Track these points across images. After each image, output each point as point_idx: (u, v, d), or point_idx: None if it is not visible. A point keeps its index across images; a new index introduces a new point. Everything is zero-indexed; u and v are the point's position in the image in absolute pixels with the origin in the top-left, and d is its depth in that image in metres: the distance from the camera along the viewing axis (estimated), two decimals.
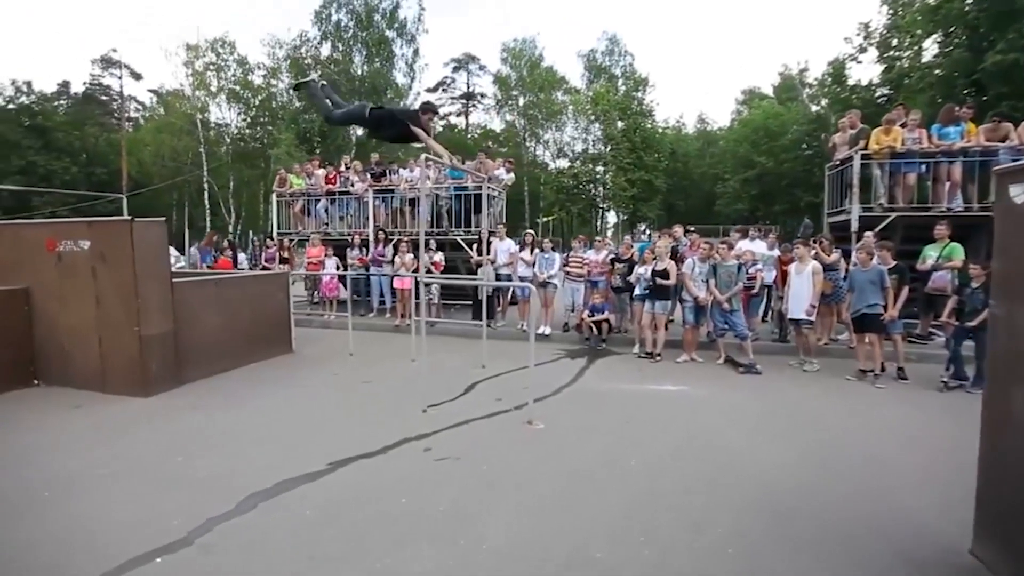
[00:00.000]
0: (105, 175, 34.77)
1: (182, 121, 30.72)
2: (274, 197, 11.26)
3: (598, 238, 8.42)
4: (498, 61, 38.35)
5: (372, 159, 11.33)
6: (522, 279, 8.41)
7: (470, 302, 8.77)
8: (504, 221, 10.36)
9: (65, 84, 40.92)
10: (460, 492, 3.29)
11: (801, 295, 6.48)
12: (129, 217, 5.20)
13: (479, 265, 8.54)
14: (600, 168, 36.95)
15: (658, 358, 6.86)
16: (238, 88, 31.48)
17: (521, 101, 37.55)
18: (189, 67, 30.65)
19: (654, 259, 7.01)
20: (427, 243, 9.18)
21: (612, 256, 8.06)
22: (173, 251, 10.52)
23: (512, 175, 10.42)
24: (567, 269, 8.19)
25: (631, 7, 64.27)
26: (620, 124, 34.56)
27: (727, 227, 7.85)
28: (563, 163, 38.64)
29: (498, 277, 8.53)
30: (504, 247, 8.52)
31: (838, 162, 8.69)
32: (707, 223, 27.69)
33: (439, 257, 8.97)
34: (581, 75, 39.40)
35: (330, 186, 10.60)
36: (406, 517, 2.98)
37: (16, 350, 5.52)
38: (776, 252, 7.82)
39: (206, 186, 30.72)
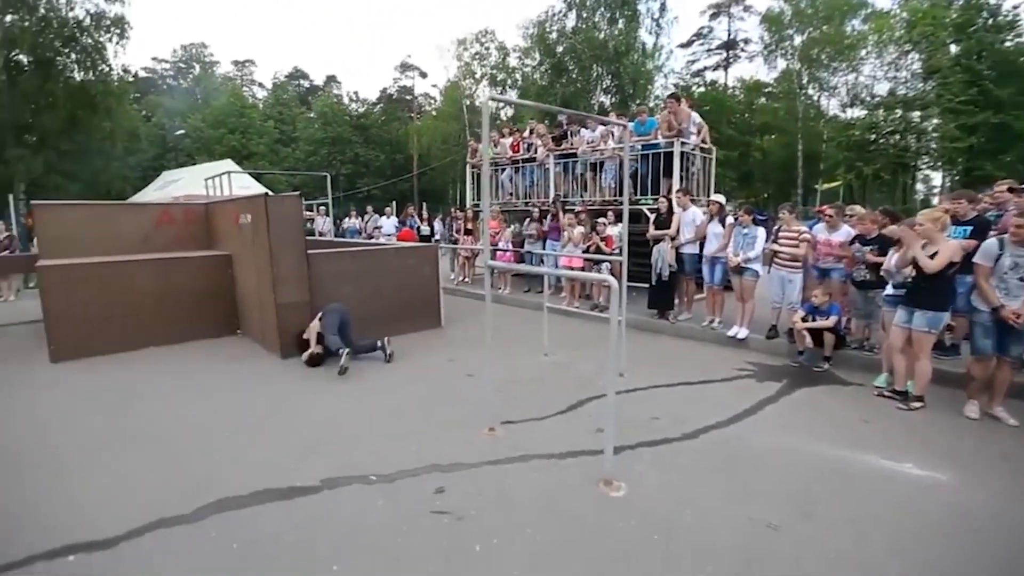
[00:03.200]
0: (402, 160, 43.32)
1: (451, 108, 35.08)
2: (468, 168, 11.32)
3: (832, 208, 5.57)
4: None
5: (558, 120, 10.22)
6: (713, 261, 6.34)
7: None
8: (709, 184, 8.13)
9: (384, 90, 52.15)
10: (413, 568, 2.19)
11: None
12: (263, 193, 5.48)
13: (656, 241, 6.76)
14: (916, 114, 27.47)
15: (916, 405, 4.11)
16: (496, 72, 34.16)
17: (797, 40, 30.47)
18: (460, 59, 34.71)
19: (923, 243, 4.17)
20: (604, 214, 7.86)
21: (855, 235, 5.26)
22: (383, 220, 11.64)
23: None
24: (776, 248, 5.71)
25: None
26: (953, 49, 24.79)
27: None
28: (857, 112, 30.17)
29: (679, 258, 6.60)
30: (688, 219, 6.46)
31: None
32: None
33: (614, 232, 7.48)
34: None
35: (514, 154, 10.01)
36: None
37: (225, 304, 6.61)
38: None
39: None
